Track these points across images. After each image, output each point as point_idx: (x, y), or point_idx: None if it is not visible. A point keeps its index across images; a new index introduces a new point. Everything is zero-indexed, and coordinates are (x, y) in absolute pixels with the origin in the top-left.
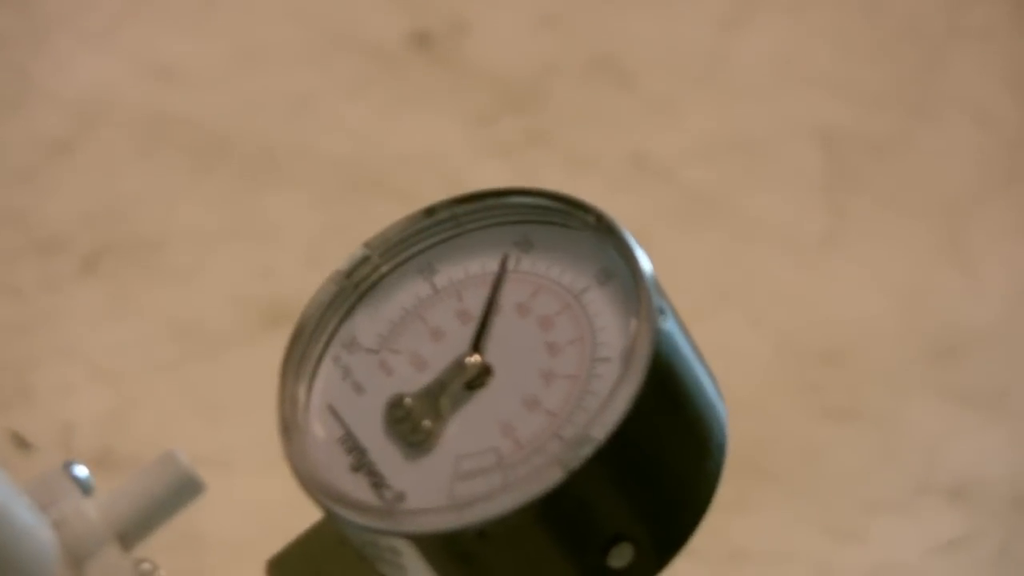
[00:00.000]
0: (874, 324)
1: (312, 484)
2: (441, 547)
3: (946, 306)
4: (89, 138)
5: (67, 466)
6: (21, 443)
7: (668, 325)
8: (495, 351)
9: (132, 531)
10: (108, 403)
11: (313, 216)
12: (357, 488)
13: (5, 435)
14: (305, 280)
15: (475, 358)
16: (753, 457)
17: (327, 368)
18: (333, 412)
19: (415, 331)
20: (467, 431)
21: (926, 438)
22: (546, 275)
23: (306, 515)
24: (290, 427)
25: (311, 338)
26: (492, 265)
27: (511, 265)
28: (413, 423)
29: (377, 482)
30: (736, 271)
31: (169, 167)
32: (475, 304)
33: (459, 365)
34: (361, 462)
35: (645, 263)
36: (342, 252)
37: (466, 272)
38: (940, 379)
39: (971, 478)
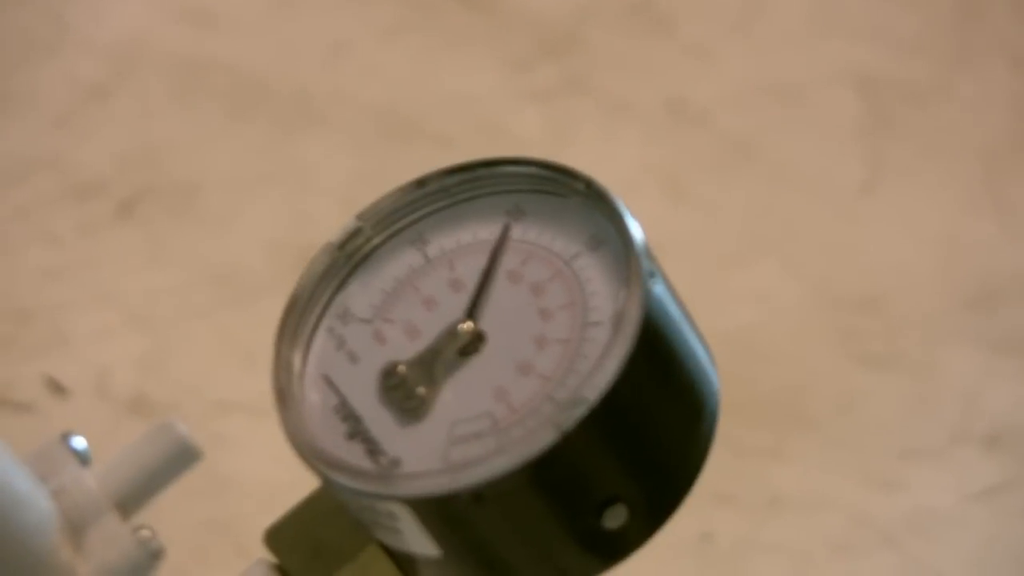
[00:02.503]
0: (911, 271)
1: (308, 451)
2: (437, 510)
3: (983, 253)
4: (125, 83)
5: (65, 437)
6: (57, 388)
7: (658, 289)
8: (488, 318)
9: (131, 500)
10: (143, 348)
11: (349, 161)
12: (353, 455)
13: (41, 380)
14: (341, 226)
15: (468, 325)
16: (790, 404)
17: (321, 339)
18: (328, 381)
19: (408, 300)
20: (461, 397)
21: (962, 386)
22: (537, 242)
23: None
24: (286, 396)
25: (305, 309)
26: (484, 234)
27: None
28: (407, 390)
29: (372, 449)
30: (773, 218)
31: (205, 112)
32: (467, 273)
33: (452, 332)
34: (356, 430)
35: (635, 228)
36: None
37: (458, 242)
38: (977, 327)
39: (1007, 426)
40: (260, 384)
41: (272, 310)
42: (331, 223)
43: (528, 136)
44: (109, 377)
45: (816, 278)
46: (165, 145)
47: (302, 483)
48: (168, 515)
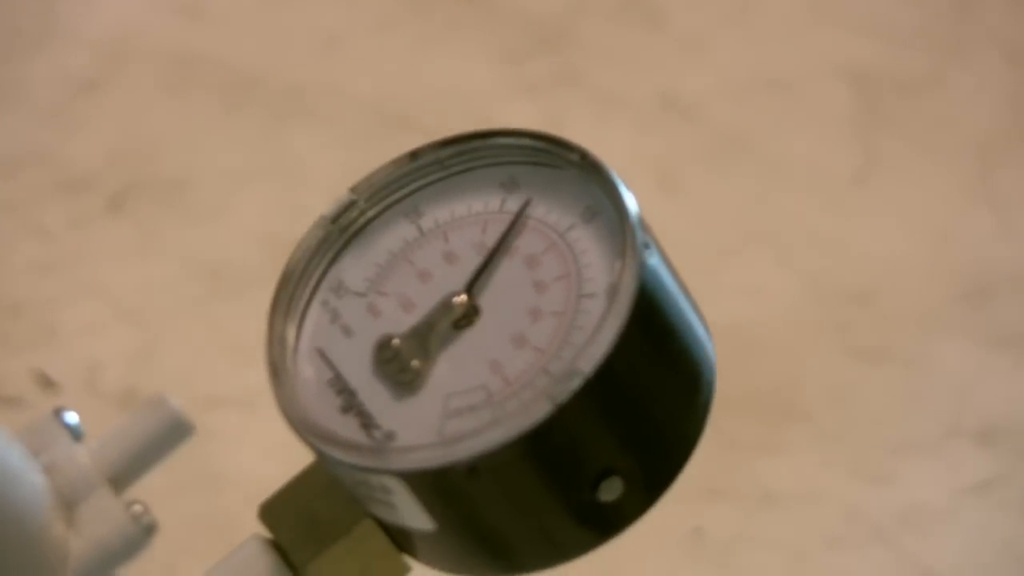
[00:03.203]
0: (904, 265)
1: (302, 426)
2: (431, 484)
3: (976, 247)
4: (116, 76)
5: (57, 412)
6: (46, 382)
7: (653, 260)
8: (482, 290)
9: (123, 474)
10: (133, 342)
11: (340, 155)
12: (347, 429)
13: (31, 374)
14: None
15: (462, 297)
16: (782, 397)
17: (315, 312)
18: (322, 355)
19: (402, 273)
20: (456, 370)
21: (955, 380)
22: (531, 214)
23: None
24: (279, 370)
25: (299, 283)
26: (478, 206)
27: (496, 207)
28: (402, 363)
29: (367, 423)
30: (765, 211)
31: (196, 106)
32: (461, 245)
33: (446, 305)
34: (350, 403)
35: (630, 199)
36: None
37: (452, 214)
38: (969, 320)
39: (1000, 420)
40: (251, 378)
41: (263, 303)
42: None
43: None
44: (99, 371)
45: (809, 271)
46: (156, 139)
47: (291, 476)
48: (157, 508)
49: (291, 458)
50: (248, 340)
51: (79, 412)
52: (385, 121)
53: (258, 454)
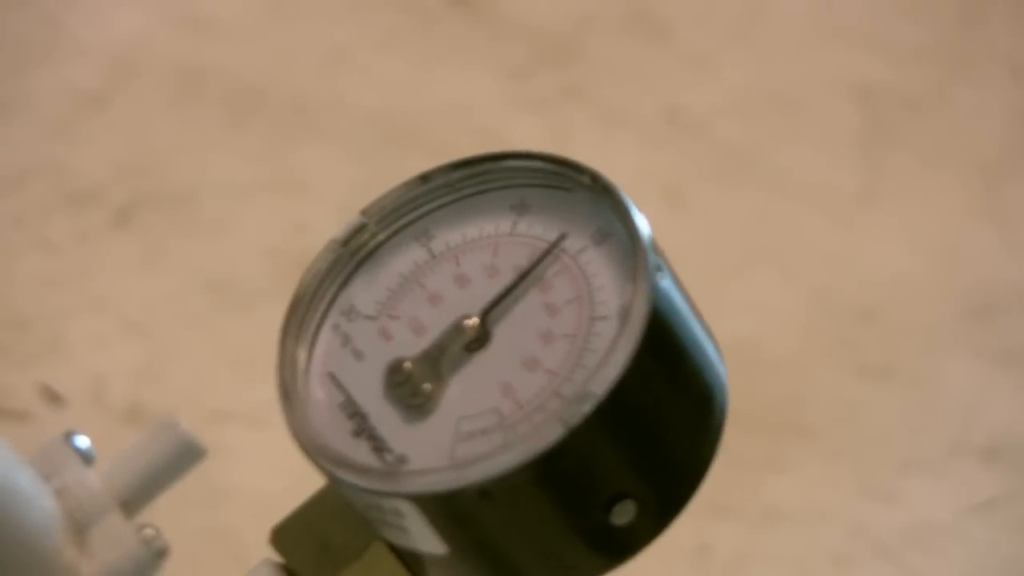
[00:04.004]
0: (909, 282)
1: (313, 449)
2: (443, 508)
3: (982, 264)
4: (122, 90)
5: (68, 436)
6: (52, 396)
7: (665, 283)
8: (494, 313)
9: (134, 498)
10: (139, 357)
11: (346, 170)
12: (359, 453)
13: (36, 389)
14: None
15: (474, 320)
16: (788, 414)
17: (326, 336)
18: (333, 379)
19: (413, 297)
20: (467, 393)
21: (961, 397)
22: (543, 237)
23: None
24: (290, 394)
25: (309, 306)
26: (489, 229)
27: (507, 229)
28: (413, 386)
29: (378, 446)
30: (771, 227)
31: (202, 119)
32: (473, 268)
33: (458, 328)
34: (362, 427)
35: (642, 221)
36: None
37: (463, 237)
38: (975, 338)
39: (1006, 438)
40: (257, 393)
41: (269, 318)
42: (328, 231)
43: (526, 144)
44: (105, 385)
45: (814, 288)
46: (162, 152)
47: (298, 492)
48: (163, 524)
49: (297, 474)
50: (254, 354)
51: (85, 427)
52: (391, 136)
53: (263, 469)
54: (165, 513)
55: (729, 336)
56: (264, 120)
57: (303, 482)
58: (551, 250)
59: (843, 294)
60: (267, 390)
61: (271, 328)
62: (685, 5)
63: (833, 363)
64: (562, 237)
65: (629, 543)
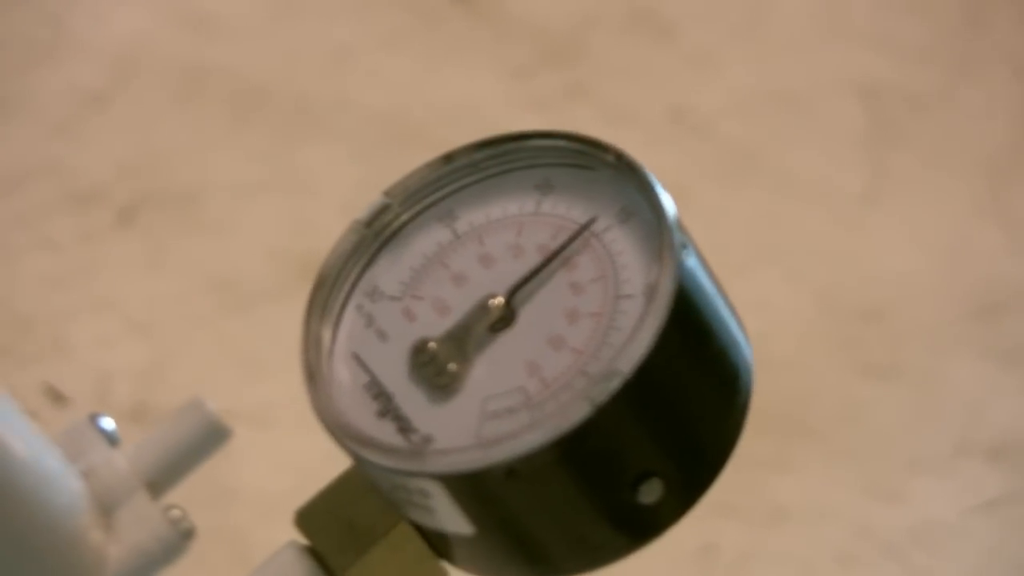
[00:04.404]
0: (914, 281)
1: (339, 429)
2: (470, 487)
3: (987, 263)
4: (124, 89)
5: (94, 418)
6: (56, 396)
7: (691, 261)
8: (519, 293)
9: (160, 479)
10: (143, 356)
11: (350, 169)
12: (384, 433)
13: (41, 388)
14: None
15: (499, 300)
16: (793, 414)
17: (350, 316)
18: (357, 359)
19: (437, 277)
20: (493, 372)
21: (966, 397)
22: (567, 216)
23: (341, 468)
24: (315, 375)
25: (333, 288)
26: (513, 209)
27: (531, 209)
28: (438, 366)
29: (404, 426)
30: (775, 227)
31: (205, 119)
32: (497, 248)
33: (483, 308)
34: (387, 408)
35: (667, 200)
36: None
37: (487, 217)
38: (980, 337)
39: (1011, 438)
40: (261, 393)
41: (274, 318)
42: (332, 230)
43: None
44: (109, 385)
45: (819, 287)
46: (166, 152)
47: (303, 491)
48: None
49: (302, 473)
50: (258, 353)
51: None
52: (395, 135)
53: (269, 468)
54: None
55: None
56: (268, 119)
57: (308, 482)
58: (581, 232)
59: (848, 294)
60: (272, 390)
61: (275, 327)
62: (689, 4)
63: (838, 363)
64: (592, 220)
65: (655, 523)
